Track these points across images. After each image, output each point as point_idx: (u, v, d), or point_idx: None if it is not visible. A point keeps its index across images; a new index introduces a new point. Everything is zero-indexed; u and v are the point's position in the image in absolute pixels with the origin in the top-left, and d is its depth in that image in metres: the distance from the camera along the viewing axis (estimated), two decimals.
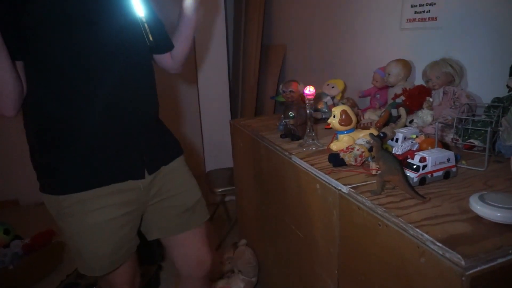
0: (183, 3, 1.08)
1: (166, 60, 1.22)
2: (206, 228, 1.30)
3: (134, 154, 1.04)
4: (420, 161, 0.88)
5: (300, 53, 2.47)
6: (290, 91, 1.33)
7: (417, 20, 1.47)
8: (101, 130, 0.98)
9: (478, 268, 0.59)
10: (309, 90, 1.20)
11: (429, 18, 1.42)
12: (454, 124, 1.08)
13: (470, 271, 0.59)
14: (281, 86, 1.36)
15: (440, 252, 0.63)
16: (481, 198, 0.72)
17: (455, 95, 1.26)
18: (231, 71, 3.15)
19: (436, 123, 1.09)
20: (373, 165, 0.97)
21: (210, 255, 1.30)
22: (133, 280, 1.21)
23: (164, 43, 1.17)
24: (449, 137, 1.16)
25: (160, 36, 1.13)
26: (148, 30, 1.01)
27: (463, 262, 0.59)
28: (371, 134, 0.88)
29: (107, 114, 0.97)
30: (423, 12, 1.44)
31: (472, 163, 1.00)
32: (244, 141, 1.71)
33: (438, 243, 0.64)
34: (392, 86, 1.52)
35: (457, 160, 0.98)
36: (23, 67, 0.92)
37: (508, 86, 1.08)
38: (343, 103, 1.56)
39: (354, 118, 1.13)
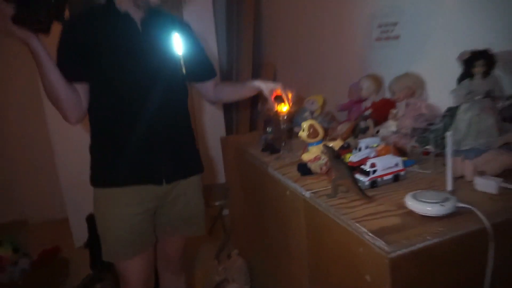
0: (262, 86, 1.31)
1: (205, 88, 1.44)
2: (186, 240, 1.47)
3: (158, 165, 1.23)
4: (371, 166, 1.00)
5: (288, 71, 2.63)
6: (267, 108, 1.46)
7: (383, 39, 1.61)
8: (138, 141, 1.19)
9: (399, 252, 0.71)
10: (282, 108, 1.34)
11: (393, 37, 1.56)
12: (411, 133, 1.20)
13: (392, 255, 0.70)
14: (259, 104, 1.50)
15: (372, 241, 0.75)
16: (414, 196, 0.83)
17: (416, 106, 1.38)
18: None
19: (390, 133, 1.21)
20: None
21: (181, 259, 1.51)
22: (147, 284, 1.34)
23: (203, 74, 1.40)
24: (410, 145, 1.28)
25: (198, 67, 1.35)
26: (182, 64, 1.25)
27: (386, 248, 0.71)
28: (324, 145, 1.00)
29: (145, 130, 1.18)
30: (388, 31, 1.58)
31: (424, 167, 1.11)
32: (233, 156, 1.84)
33: (370, 234, 0.76)
34: (365, 100, 1.65)
35: (411, 165, 1.10)
36: (86, 88, 1.16)
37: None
38: (313, 118, 1.69)
39: (321, 131, 1.25)
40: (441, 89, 1.39)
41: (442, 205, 0.78)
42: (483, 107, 1.07)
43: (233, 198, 2.04)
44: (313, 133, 1.24)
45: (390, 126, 1.40)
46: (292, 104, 1.35)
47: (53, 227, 3.00)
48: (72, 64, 1.11)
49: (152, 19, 1.20)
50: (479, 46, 1.11)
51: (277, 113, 1.38)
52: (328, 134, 1.53)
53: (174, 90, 1.26)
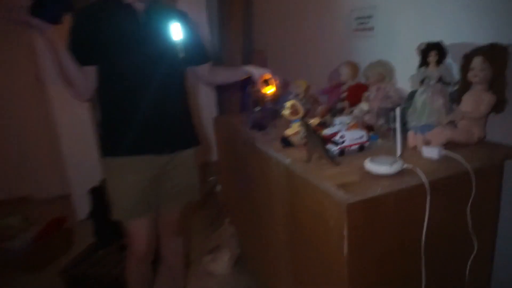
0: (253, 71, 1.47)
1: (200, 71, 1.60)
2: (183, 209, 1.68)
3: (160, 137, 1.43)
4: (340, 138, 1.20)
5: (277, 58, 2.81)
6: (256, 91, 1.66)
7: (360, 30, 1.81)
8: (142, 117, 1.37)
9: (354, 200, 0.92)
10: (268, 90, 1.53)
11: (368, 28, 1.76)
12: (378, 113, 1.41)
13: (348, 201, 0.92)
14: (248, 87, 1.69)
15: (334, 193, 0.96)
16: (370, 160, 1.04)
17: (385, 90, 1.59)
18: None
19: (362, 113, 1.42)
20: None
21: (180, 223, 1.71)
22: (149, 243, 1.55)
23: (198, 59, 1.56)
24: (378, 123, 1.49)
25: (195, 52, 1.52)
26: (180, 48, 1.42)
27: (344, 197, 0.92)
28: (301, 121, 1.21)
29: (147, 107, 1.37)
30: (364, 23, 1.77)
31: (386, 141, 1.32)
32: (225, 134, 2.03)
33: (333, 188, 0.97)
34: (343, 84, 1.85)
35: (375, 139, 1.31)
36: (93, 70, 1.34)
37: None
38: (296, 100, 1.88)
39: (301, 110, 1.46)
40: (408, 75, 1.61)
41: (390, 166, 1.00)
42: (434, 91, 1.28)
43: (224, 173, 2.25)
44: (294, 111, 1.45)
45: (363, 107, 1.60)
46: (278, 87, 1.55)
47: (57, 203, 3.20)
48: (82, 50, 1.29)
49: (153, 10, 1.37)
50: (439, 38, 1.32)
51: (264, 95, 1.58)
52: (309, 114, 1.74)
53: (173, 72, 1.44)
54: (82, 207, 2.70)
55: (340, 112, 1.67)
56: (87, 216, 2.52)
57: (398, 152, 1.07)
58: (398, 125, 1.06)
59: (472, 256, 1.12)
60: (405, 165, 1.03)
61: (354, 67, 1.81)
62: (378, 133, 1.39)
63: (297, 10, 2.42)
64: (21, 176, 3.36)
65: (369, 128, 1.43)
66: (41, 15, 1.10)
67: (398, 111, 1.06)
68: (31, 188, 3.39)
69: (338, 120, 1.44)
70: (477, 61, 1.16)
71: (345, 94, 1.70)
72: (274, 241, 1.52)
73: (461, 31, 1.31)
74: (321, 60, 2.19)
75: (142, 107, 1.38)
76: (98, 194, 2.35)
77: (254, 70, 1.49)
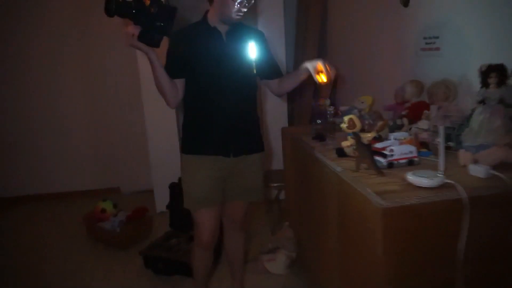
0: (307, 65, 1.59)
1: (272, 85, 1.80)
2: (249, 207, 1.87)
3: (228, 142, 1.65)
4: (389, 151, 1.29)
5: (346, 74, 2.91)
6: (319, 104, 1.80)
7: (426, 50, 1.85)
8: (217, 123, 1.62)
9: (390, 205, 1.02)
10: (322, 79, 1.59)
11: (435, 48, 1.79)
12: (431, 130, 1.46)
13: (384, 207, 1.02)
14: (313, 102, 1.84)
15: (373, 199, 1.06)
16: (413, 173, 1.12)
17: (447, 108, 1.61)
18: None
19: (420, 130, 1.47)
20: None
21: (243, 220, 1.91)
22: (213, 233, 1.76)
23: (270, 74, 1.76)
24: (435, 140, 1.53)
25: (267, 68, 1.73)
26: (254, 65, 1.63)
27: (381, 202, 1.02)
28: (353, 133, 1.32)
29: (222, 115, 1.61)
30: (431, 43, 1.81)
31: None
32: (290, 145, 2.20)
33: (373, 194, 1.07)
34: (407, 102, 1.90)
35: (428, 156, 1.37)
36: (183, 82, 1.62)
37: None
38: (361, 115, 1.97)
39: (358, 124, 1.57)
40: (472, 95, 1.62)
41: (430, 179, 1.07)
42: (493, 111, 1.30)
43: (289, 180, 2.40)
44: (351, 125, 1.56)
45: (422, 124, 1.65)
46: (330, 75, 1.55)
47: (141, 195, 3.65)
48: (175, 67, 1.59)
49: (234, 31, 1.62)
50: (504, 60, 1.33)
51: (319, 85, 1.63)
52: (370, 128, 1.82)
53: (246, 85, 1.66)
54: (162, 200, 3.07)
55: (399, 128, 1.73)
56: (165, 209, 2.88)
57: (441, 166, 1.13)
58: (442, 141, 1.13)
59: None
60: (446, 180, 1.08)
61: (419, 85, 1.85)
62: (432, 150, 1.44)
63: (368, 29, 2.51)
64: (113, 171, 3.90)
65: (424, 145, 1.48)
66: (146, 41, 1.39)
67: (442, 128, 1.12)
68: (121, 181, 3.92)
69: (393, 135, 1.51)
70: None
71: (406, 111, 1.76)
72: (326, 244, 1.64)
73: None
74: (389, 77, 2.24)
75: (218, 114, 1.62)
76: (176, 189, 2.69)
77: (308, 64, 1.57)
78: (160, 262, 2.39)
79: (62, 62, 3.67)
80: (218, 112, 1.62)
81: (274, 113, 3.23)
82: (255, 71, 1.65)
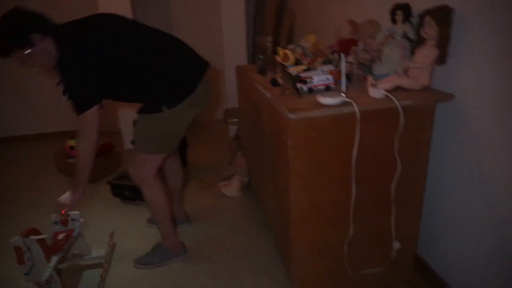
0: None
1: None
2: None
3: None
4: (309, 78, 1.52)
5: (303, 18, 3.06)
6: (262, 41, 1.99)
7: None
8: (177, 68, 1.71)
9: (297, 118, 1.27)
10: (268, 42, 1.85)
11: None
12: (354, 62, 1.69)
13: (292, 119, 1.27)
14: (256, 38, 2.02)
15: (287, 114, 1.31)
16: (322, 94, 1.37)
17: (370, 45, 1.84)
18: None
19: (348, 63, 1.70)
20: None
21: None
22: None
23: None
24: (358, 72, 1.77)
25: None
26: None
27: (291, 116, 1.27)
28: (278, 63, 1.54)
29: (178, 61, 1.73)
30: None
31: (354, 85, 1.62)
32: (241, 81, 2.40)
33: (287, 110, 1.31)
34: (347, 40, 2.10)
35: (347, 84, 1.61)
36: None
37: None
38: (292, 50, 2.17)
39: (291, 57, 1.78)
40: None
41: (333, 98, 1.32)
42: (396, 44, 1.53)
43: (242, 115, 2.63)
44: (285, 58, 1.77)
45: (350, 58, 1.87)
46: None
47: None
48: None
49: None
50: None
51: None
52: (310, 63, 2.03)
53: None
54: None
55: (331, 62, 1.95)
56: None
57: (343, 88, 1.38)
58: (343, 68, 1.36)
59: (396, 176, 1.43)
60: (347, 99, 1.34)
61: (353, 24, 2.05)
62: (352, 80, 1.68)
63: None
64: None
65: (347, 76, 1.71)
66: None
67: (343, 56, 1.35)
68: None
69: (321, 68, 1.73)
70: (426, 20, 1.39)
71: (337, 48, 1.97)
72: (264, 163, 1.92)
73: None
74: (342, 19, 2.42)
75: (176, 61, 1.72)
76: None
77: None
78: (126, 190, 2.65)
79: None
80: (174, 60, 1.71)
81: (233, 51, 3.39)
82: None
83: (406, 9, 1.53)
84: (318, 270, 1.56)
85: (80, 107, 1.57)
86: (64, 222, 1.84)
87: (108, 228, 2.34)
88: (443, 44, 1.40)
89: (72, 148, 3.08)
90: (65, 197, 1.78)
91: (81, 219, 1.87)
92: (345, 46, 1.91)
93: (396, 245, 1.57)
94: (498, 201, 1.27)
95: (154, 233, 2.18)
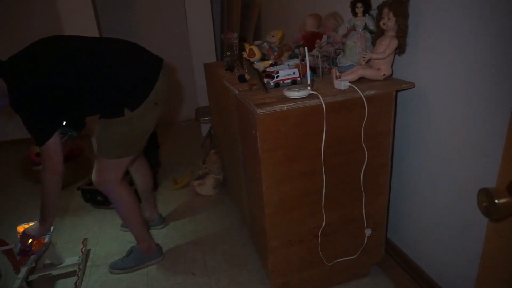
0: None
1: None
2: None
3: None
4: (275, 73, 1.54)
5: (269, 11, 3.08)
6: (228, 37, 1.99)
7: None
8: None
9: (264, 112, 1.28)
10: (234, 38, 1.85)
11: None
12: (319, 56, 1.72)
13: (260, 113, 1.28)
14: (222, 34, 2.02)
15: (255, 109, 1.32)
16: (288, 88, 1.38)
17: (334, 38, 1.87)
18: (218, 28, 3.77)
19: (313, 57, 1.73)
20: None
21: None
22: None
23: None
24: (323, 65, 1.80)
25: None
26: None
27: (258, 110, 1.28)
28: (244, 58, 1.54)
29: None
30: None
31: (319, 78, 1.65)
32: (211, 79, 2.39)
33: (254, 105, 1.32)
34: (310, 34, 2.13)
35: (312, 77, 1.64)
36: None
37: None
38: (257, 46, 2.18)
39: (257, 53, 1.79)
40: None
41: (299, 92, 1.34)
42: (358, 36, 1.58)
43: (213, 113, 2.63)
44: (251, 54, 1.78)
45: (315, 52, 1.91)
46: None
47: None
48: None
49: None
50: None
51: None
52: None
53: None
54: None
55: (297, 56, 1.98)
56: None
57: (309, 81, 1.41)
58: (307, 60, 1.39)
59: (364, 164, 1.47)
60: (312, 92, 1.36)
61: (317, 18, 2.09)
62: (316, 73, 1.71)
63: None
64: None
65: (312, 69, 1.74)
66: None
67: (305, 49, 1.38)
68: None
69: (287, 62, 1.76)
70: (384, 12, 1.44)
71: (302, 41, 2.00)
72: (235, 159, 1.92)
73: None
74: (308, 12, 2.45)
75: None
76: None
77: None
78: (98, 194, 2.58)
79: None
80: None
81: (200, 49, 3.37)
82: None
83: (365, 2, 1.56)
84: (293, 261, 1.59)
85: (39, 140, 1.55)
86: (24, 253, 1.72)
87: (80, 235, 2.28)
88: (401, 35, 1.44)
89: (38, 155, 2.97)
90: (33, 228, 1.73)
91: (51, 228, 1.82)
92: (310, 39, 1.94)
93: (368, 231, 1.62)
94: (458, 180, 1.33)
95: (129, 237, 2.14)
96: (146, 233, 1.99)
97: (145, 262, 1.99)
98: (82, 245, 2.11)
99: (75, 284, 1.83)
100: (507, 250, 0.65)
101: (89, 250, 2.15)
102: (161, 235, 2.23)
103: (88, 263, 2.05)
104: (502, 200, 0.59)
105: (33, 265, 1.73)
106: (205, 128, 3.54)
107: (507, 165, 0.63)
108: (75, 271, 1.92)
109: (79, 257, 2.00)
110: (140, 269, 1.96)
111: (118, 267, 1.97)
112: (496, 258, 0.69)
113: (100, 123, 1.76)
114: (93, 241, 2.23)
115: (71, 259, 1.99)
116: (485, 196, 0.60)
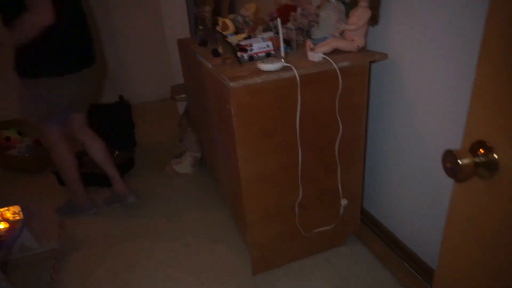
0: None
1: None
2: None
3: None
4: (249, 46, 1.51)
5: None
6: (202, 11, 1.93)
7: None
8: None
9: (237, 86, 1.26)
10: (206, 11, 1.80)
11: None
12: (293, 28, 1.70)
13: (233, 87, 1.26)
14: (195, 9, 1.95)
15: (228, 83, 1.30)
16: (262, 61, 1.36)
17: (305, 10, 1.85)
18: (191, 3, 3.65)
19: (288, 29, 1.70)
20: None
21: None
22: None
23: None
24: (298, 37, 1.78)
25: None
26: None
27: (231, 84, 1.26)
28: (218, 32, 1.50)
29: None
30: None
31: (294, 50, 1.63)
32: (185, 55, 2.33)
33: (227, 79, 1.30)
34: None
35: (287, 49, 1.61)
36: None
37: None
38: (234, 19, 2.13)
39: (231, 26, 1.75)
40: None
41: (273, 64, 1.32)
42: (332, 8, 1.56)
43: (188, 90, 2.58)
44: (224, 27, 1.73)
45: (289, 24, 1.88)
46: None
47: None
48: None
49: None
50: None
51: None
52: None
53: None
54: None
55: (272, 30, 1.95)
56: None
57: (282, 53, 1.39)
58: (280, 33, 1.37)
59: (339, 136, 1.49)
60: (286, 64, 1.35)
61: None
62: (292, 45, 1.69)
63: None
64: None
65: (286, 42, 1.72)
66: None
67: (279, 20, 1.35)
68: None
69: (261, 35, 1.72)
70: None
71: (276, 14, 1.96)
72: (212, 135, 1.90)
73: None
74: None
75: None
76: None
77: None
78: None
79: None
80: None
81: (174, 25, 3.27)
82: None
83: None
84: (272, 234, 1.61)
85: None
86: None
87: (57, 219, 2.24)
88: (374, 5, 1.44)
89: (8, 139, 2.87)
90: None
91: (23, 211, 1.78)
92: (284, 12, 1.90)
93: (344, 202, 1.66)
94: (428, 147, 1.37)
95: (105, 218, 2.12)
96: (79, 190, 2.22)
97: (77, 213, 2.26)
98: (59, 228, 2.07)
99: (53, 267, 1.81)
100: (471, 210, 0.67)
101: (65, 233, 2.12)
102: (141, 215, 2.22)
103: (65, 247, 2.02)
104: (465, 161, 0.60)
105: (8, 249, 1.69)
106: (181, 107, 3.47)
107: (470, 128, 0.64)
108: (52, 254, 1.90)
109: (56, 240, 1.97)
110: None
111: (58, 213, 2.28)
112: (461, 219, 0.72)
113: (21, 83, 1.87)
114: (70, 224, 2.20)
115: (48, 244, 1.96)
116: (449, 157, 0.61)
